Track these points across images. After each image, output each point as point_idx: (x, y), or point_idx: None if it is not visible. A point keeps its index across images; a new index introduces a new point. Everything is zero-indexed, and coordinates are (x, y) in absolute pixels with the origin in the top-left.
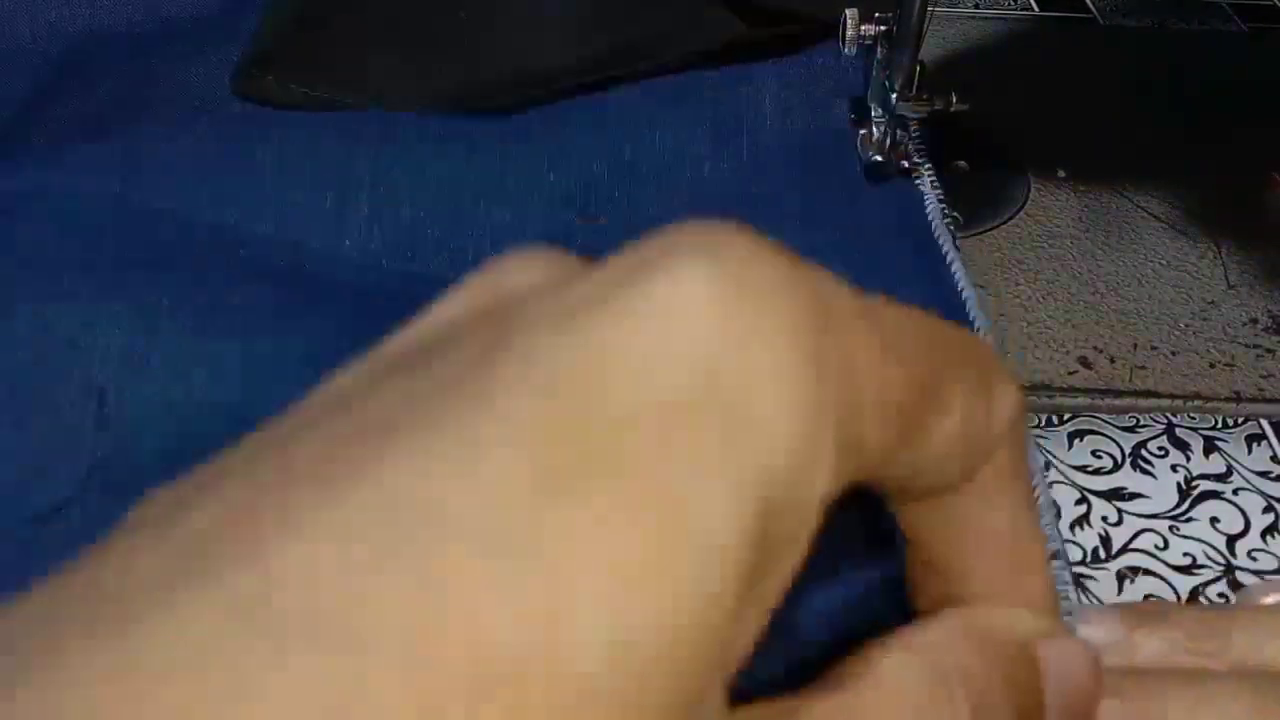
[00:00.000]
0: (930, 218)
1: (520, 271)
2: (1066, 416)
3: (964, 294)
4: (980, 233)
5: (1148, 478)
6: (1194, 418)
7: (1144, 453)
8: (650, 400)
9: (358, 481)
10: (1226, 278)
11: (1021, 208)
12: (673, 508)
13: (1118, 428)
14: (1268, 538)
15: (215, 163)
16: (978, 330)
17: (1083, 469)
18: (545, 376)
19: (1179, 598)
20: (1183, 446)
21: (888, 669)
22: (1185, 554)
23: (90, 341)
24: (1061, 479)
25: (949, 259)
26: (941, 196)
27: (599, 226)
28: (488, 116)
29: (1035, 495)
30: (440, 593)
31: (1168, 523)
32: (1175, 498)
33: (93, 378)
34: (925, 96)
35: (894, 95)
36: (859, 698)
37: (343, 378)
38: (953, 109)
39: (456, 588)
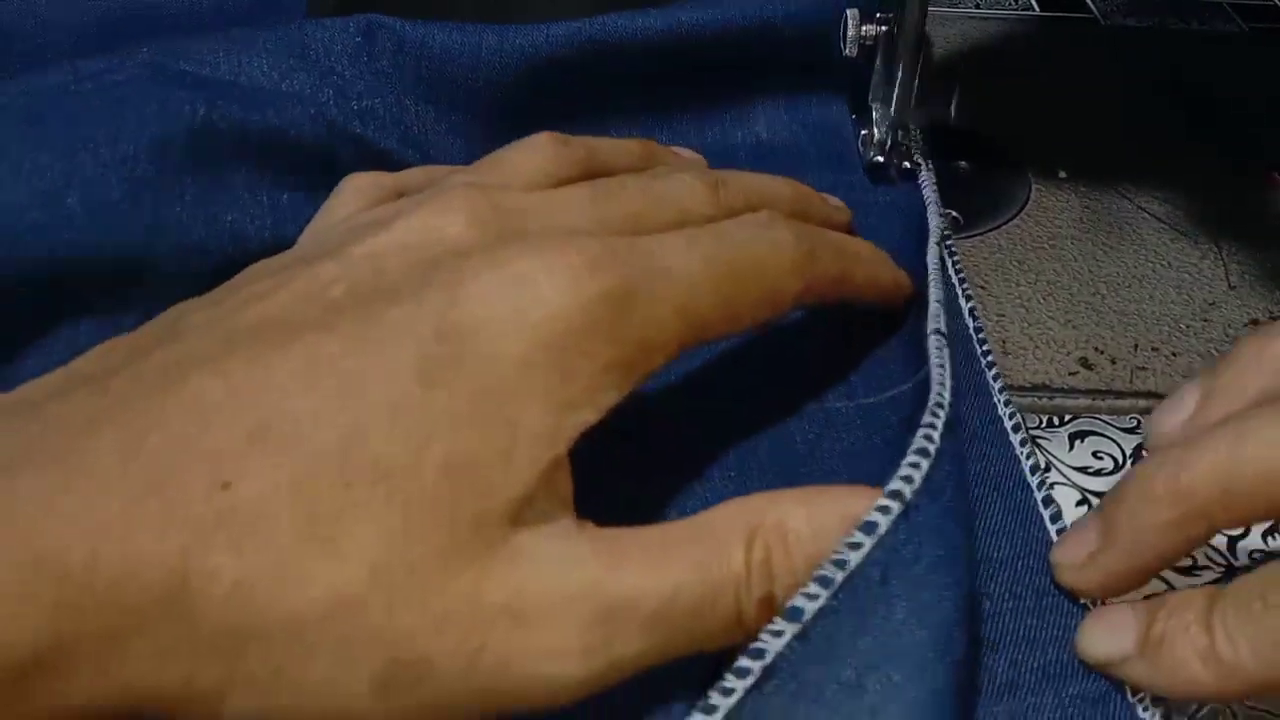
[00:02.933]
0: (930, 219)
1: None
2: (1067, 417)
3: (959, 296)
4: (980, 233)
5: None
6: None
7: (1145, 454)
8: (504, 351)
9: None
10: (1227, 278)
11: (1022, 208)
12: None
13: (1118, 429)
14: (1268, 538)
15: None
16: (976, 332)
17: (1083, 470)
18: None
19: None
20: None
21: (710, 512)
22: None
23: None
24: (1062, 480)
25: (947, 261)
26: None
27: None
28: None
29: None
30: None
31: None
32: None
33: None
34: (925, 101)
35: (894, 96)
36: (673, 529)
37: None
38: (953, 110)
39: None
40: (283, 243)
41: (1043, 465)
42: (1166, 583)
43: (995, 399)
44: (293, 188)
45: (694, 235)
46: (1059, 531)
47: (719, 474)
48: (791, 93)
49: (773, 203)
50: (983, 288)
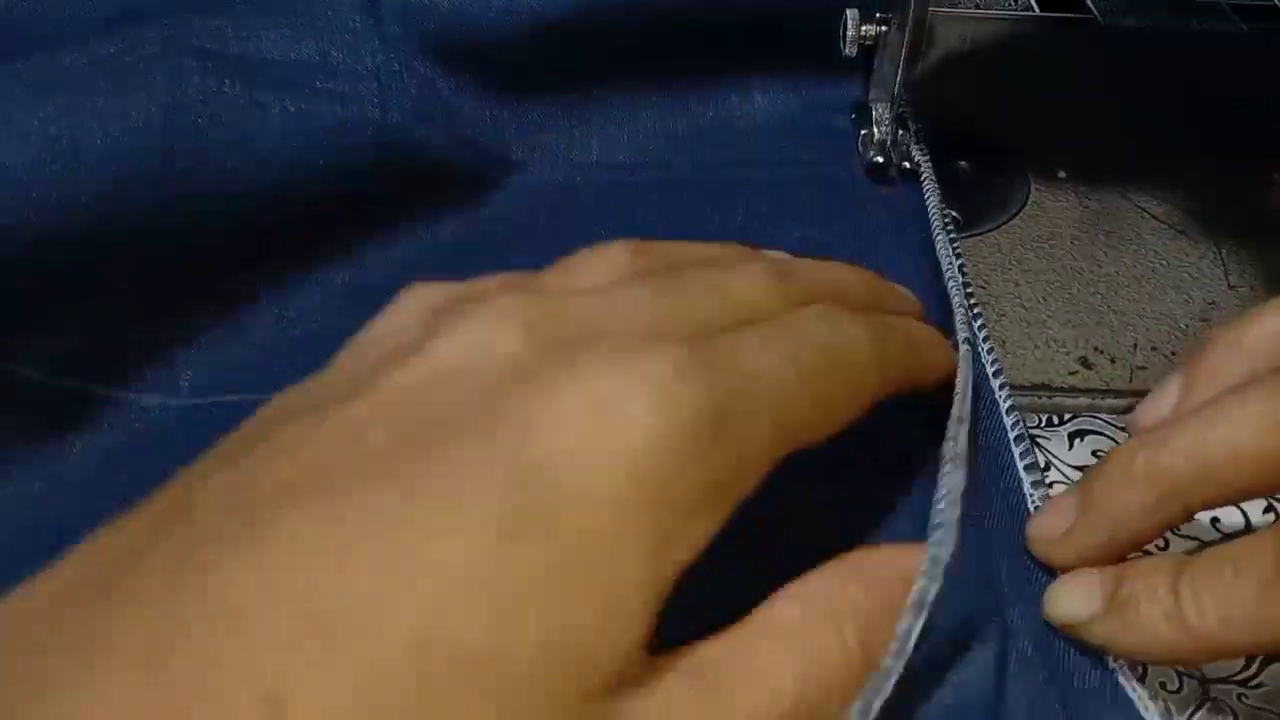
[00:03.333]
0: (931, 218)
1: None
2: (1067, 417)
3: (956, 298)
4: (981, 233)
5: None
6: None
7: None
8: (592, 492)
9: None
10: (1227, 278)
11: (1022, 208)
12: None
13: (1118, 428)
14: None
15: None
16: (980, 329)
17: (1083, 469)
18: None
19: None
20: None
21: (778, 608)
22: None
23: None
24: (1062, 479)
25: (946, 263)
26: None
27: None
28: None
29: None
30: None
31: None
32: None
33: None
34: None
35: (893, 102)
36: (748, 633)
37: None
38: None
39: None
40: (299, 209)
41: (1041, 465)
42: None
43: (997, 396)
44: (308, 154)
45: (767, 335)
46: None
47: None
48: (793, 67)
49: (841, 294)
50: (983, 287)
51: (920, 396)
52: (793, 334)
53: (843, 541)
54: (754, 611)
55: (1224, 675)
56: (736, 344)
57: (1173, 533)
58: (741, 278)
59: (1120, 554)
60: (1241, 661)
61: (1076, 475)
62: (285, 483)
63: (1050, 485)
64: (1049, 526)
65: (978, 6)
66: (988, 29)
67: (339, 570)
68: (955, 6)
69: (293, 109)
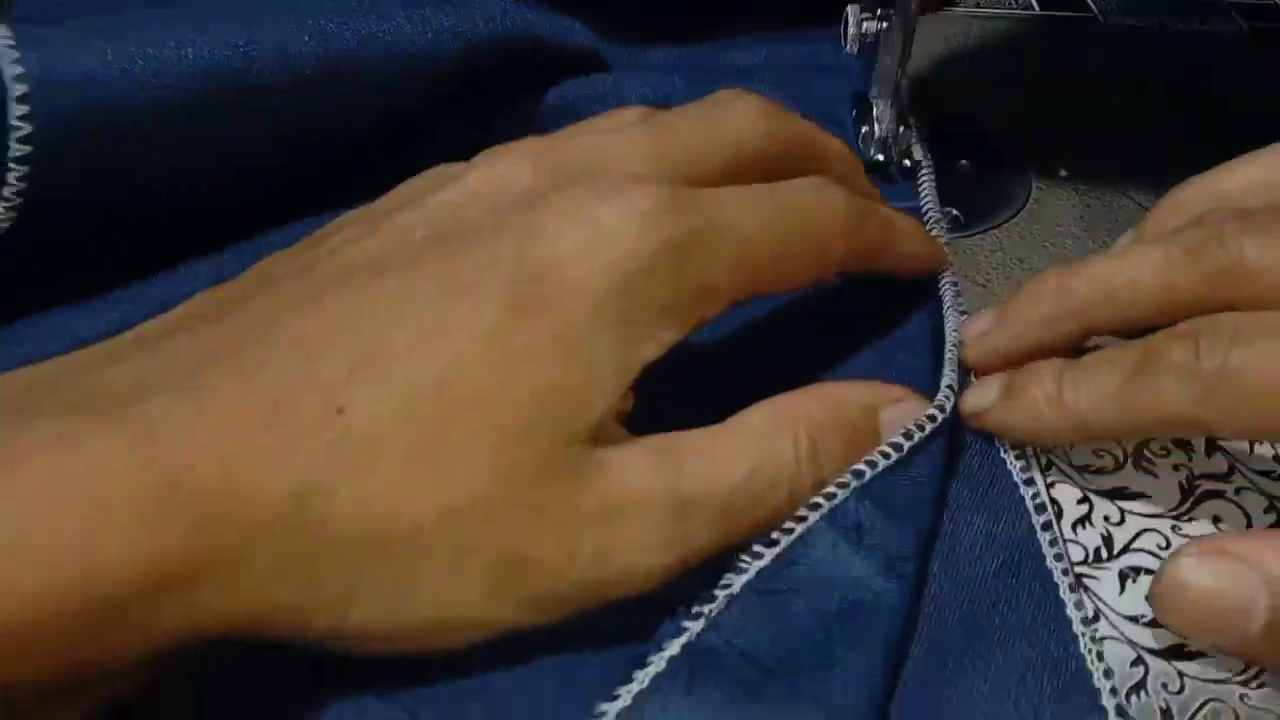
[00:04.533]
0: (926, 219)
1: (507, 171)
2: None
3: (947, 306)
4: (981, 232)
5: (1149, 477)
6: None
7: (1145, 452)
8: (582, 283)
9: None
10: None
11: (1023, 207)
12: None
13: None
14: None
15: None
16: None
17: (1084, 469)
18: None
19: None
20: (1185, 446)
21: (747, 413)
22: None
23: None
24: (1063, 478)
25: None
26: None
27: None
28: None
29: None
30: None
31: (1170, 522)
32: (1177, 497)
33: None
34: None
35: (894, 99)
36: (717, 429)
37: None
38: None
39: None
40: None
41: (1043, 464)
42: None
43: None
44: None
45: (753, 195)
46: (1034, 500)
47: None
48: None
49: (825, 152)
50: (983, 286)
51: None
52: (771, 196)
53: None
54: (734, 418)
55: (1224, 675)
56: (715, 196)
57: None
58: (734, 116)
59: (1024, 359)
60: (1242, 662)
61: (1077, 474)
62: (346, 265)
63: (1051, 485)
64: (969, 331)
65: (978, 6)
66: (988, 29)
67: (381, 327)
68: (955, 6)
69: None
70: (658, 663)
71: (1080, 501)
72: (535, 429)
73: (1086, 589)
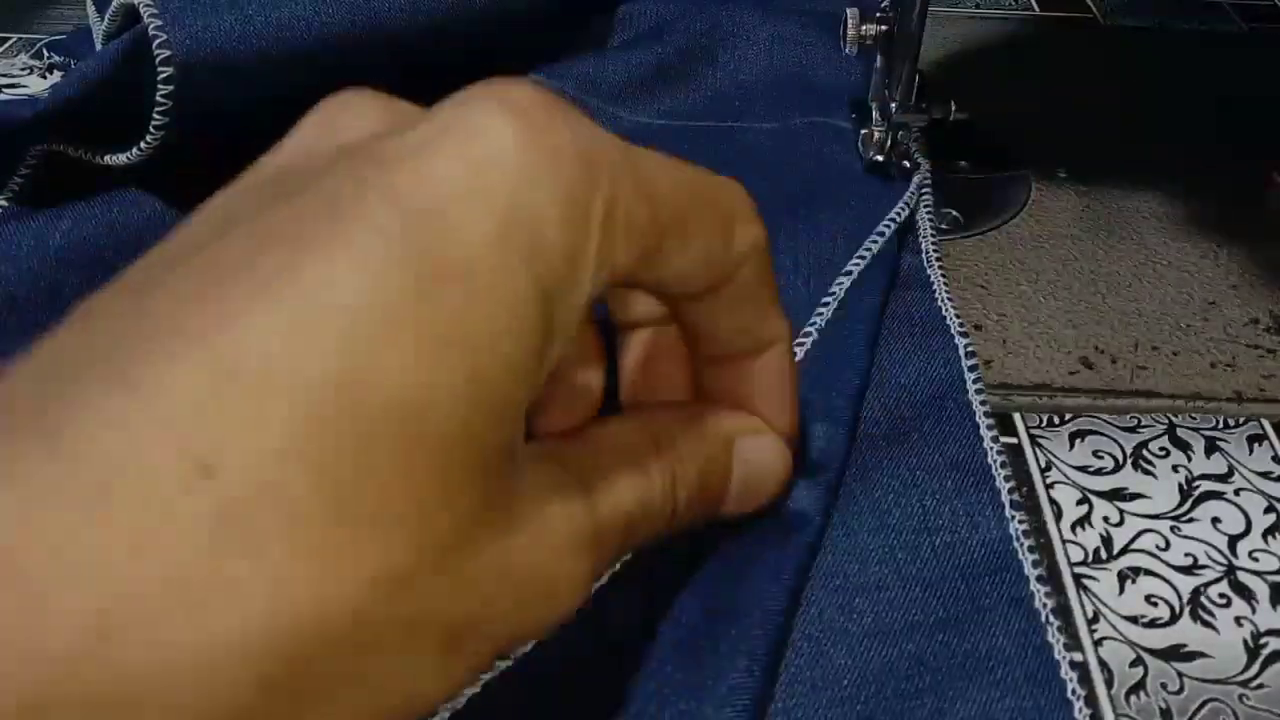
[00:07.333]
0: (919, 221)
1: (358, 114)
2: (1068, 416)
3: (939, 299)
4: (981, 232)
5: (1149, 478)
6: (1195, 418)
7: (1145, 453)
8: (476, 229)
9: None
10: (1227, 278)
11: (1022, 208)
12: (492, 300)
13: (1119, 428)
14: (1269, 538)
15: None
16: (972, 332)
17: (1084, 469)
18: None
19: (1180, 598)
20: (1184, 447)
21: (619, 429)
22: (1187, 554)
23: None
24: (1063, 479)
25: (931, 270)
26: (931, 200)
27: None
28: None
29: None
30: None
31: (1169, 523)
32: (1177, 498)
33: None
34: (924, 105)
35: (894, 103)
36: (601, 451)
37: (226, 200)
38: (951, 118)
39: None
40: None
41: (1043, 464)
42: (1169, 583)
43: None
44: None
45: (662, 158)
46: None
47: None
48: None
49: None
50: (983, 287)
51: None
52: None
53: None
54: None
55: (1224, 675)
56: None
57: None
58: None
59: None
60: (1242, 662)
61: (1077, 475)
62: (163, 260)
63: (1051, 486)
64: None
65: (978, 6)
66: (988, 29)
67: (244, 328)
68: (955, 6)
69: None
70: None
71: (1080, 502)
72: (468, 437)
73: (1086, 589)
